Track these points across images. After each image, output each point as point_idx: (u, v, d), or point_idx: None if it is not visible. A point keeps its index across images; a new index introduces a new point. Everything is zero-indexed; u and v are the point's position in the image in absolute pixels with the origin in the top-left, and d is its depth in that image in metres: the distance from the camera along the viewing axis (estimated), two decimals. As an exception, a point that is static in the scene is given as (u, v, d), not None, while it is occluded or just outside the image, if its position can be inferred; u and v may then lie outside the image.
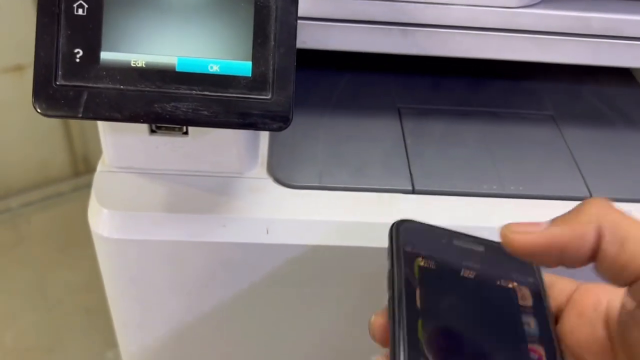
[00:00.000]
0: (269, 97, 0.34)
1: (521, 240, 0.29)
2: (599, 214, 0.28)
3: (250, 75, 0.34)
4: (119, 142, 0.43)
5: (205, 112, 0.34)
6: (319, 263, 0.44)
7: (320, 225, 0.43)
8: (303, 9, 0.41)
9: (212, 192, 0.44)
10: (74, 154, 1.27)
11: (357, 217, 0.44)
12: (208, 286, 0.45)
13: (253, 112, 0.34)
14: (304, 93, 0.54)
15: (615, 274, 0.28)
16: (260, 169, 0.46)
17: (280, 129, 0.35)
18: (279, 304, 0.47)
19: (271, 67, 0.34)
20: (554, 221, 0.29)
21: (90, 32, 0.33)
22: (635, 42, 0.47)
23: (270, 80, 0.34)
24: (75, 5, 0.33)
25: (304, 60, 0.42)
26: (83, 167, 1.29)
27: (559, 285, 0.34)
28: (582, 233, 0.28)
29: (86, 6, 0.33)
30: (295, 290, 0.46)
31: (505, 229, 0.30)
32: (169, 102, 0.34)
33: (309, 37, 0.45)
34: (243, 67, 0.34)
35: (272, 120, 0.34)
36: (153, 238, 0.42)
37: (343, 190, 0.45)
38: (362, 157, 0.48)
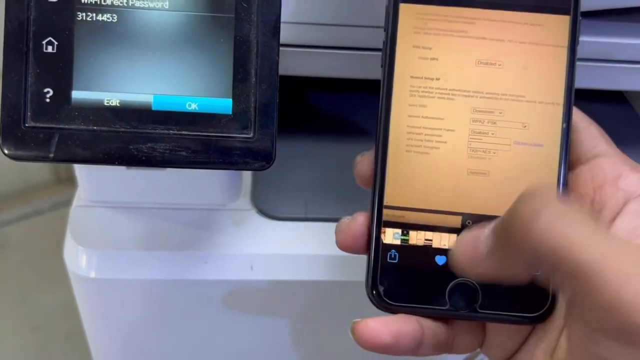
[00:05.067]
0: (250, 135, 0.33)
1: (470, 275, 0.29)
2: (522, 240, 0.25)
3: (230, 113, 0.33)
4: (95, 176, 0.42)
5: (184, 153, 0.32)
6: (307, 300, 0.43)
7: (308, 260, 0.42)
8: (286, 37, 0.40)
9: (193, 227, 0.42)
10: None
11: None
12: (190, 325, 0.43)
13: (234, 151, 0.33)
14: (287, 118, 0.52)
15: None
16: (243, 200, 0.45)
17: (262, 169, 0.33)
18: (264, 343, 0.45)
19: (253, 105, 0.33)
20: (489, 250, 0.27)
21: (60, 71, 0.32)
22: (626, 65, 0.46)
23: (252, 118, 0.33)
24: (44, 43, 0.32)
25: (287, 83, 0.40)
26: (65, 173, 1.26)
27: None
28: (516, 269, 0.27)
29: (56, 43, 0.32)
30: (282, 328, 0.44)
31: (453, 257, 0.29)
32: (145, 142, 0.32)
33: (293, 64, 0.43)
34: (223, 104, 0.33)
35: (255, 159, 0.33)
36: (132, 277, 0.41)
37: (331, 221, 0.44)
38: (349, 185, 0.46)
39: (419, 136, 0.32)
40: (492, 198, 0.32)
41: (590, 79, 0.47)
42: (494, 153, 0.32)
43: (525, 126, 0.32)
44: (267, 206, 0.44)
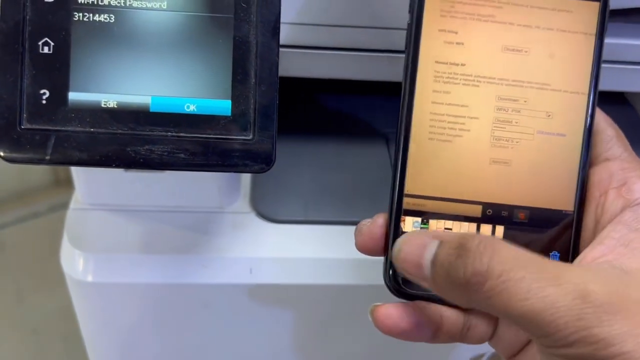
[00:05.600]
0: (250, 137, 0.32)
1: (414, 280, 0.29)
2: (461, 293, 0.27)
3: (229, 115, 0.32)
4: (92, 179, 0.41)
5: (182, 155, 0.32)
6: (307, 304, 0.42)
7: (308, 263, 0.41)
8: (286, 37, 0.39)
9: (191, 230, 0.42)
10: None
11: (346, 253, 0.42)
12: (189, 329, 0.43)
13: (233, 153, 0.32)
14: (287, 119, 0.51)
15: None
16: (242, 202, 0.44)
17: (262, 171, 0.33)
18: (263, 348, 0.45)
19: (252, 106, 0.32)
20: (431, 277, 0.28)
21: (57, 72, 0.31)
22: (627, 66, 0.46)
23: (251, 120, 0.32)
24: (40, 43, 0.31)
25: (287, 85, 0.40)
26: (63, 175, 1.26)
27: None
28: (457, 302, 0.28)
29: (52, 44, 0.31)
30: (282, 333, 0.44)
31: (395, 256, 0.29)
32: (142, 144, 0.32)
33: (293, 65, 0.43)
34: (222, 105, 0.32)
35: (254, 162, 0.32)
36: (129, 281, 0.40)
37: (331, 224, 0.43)
38: (349, 188, 0.46)
39: (442, 123, 0.31)
40: (513, 188, 0.32)
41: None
42: (517, 142, 0.32)
43: (549, 115, 0.32)
44: (266, 209, 0.43)
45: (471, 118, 0.31)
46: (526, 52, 0.31)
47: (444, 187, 0.32)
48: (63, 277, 0.41)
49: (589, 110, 0.31)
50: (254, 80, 0.32)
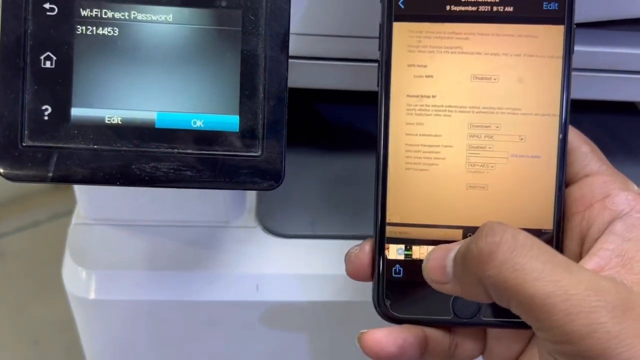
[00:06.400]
0: (258, 154, 0.31)
1: (439, 289, 0.30)
2: (479, 275, 0.27)
3: (237, 131, 0.31)
4: (95, 193, 0.40)
5: (189, 173, 0.31)
6: (315, 321, 0.41)
7: (316, 280, 0.41)
8: (295, 49, 0.38)
9: (196, 246, 0.41)
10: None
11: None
12: (194, 348, 0.42)
13: (241, 171, 0.31)
14: (293, 131, 0.51)
15: None
16: (248, 217, 0.43)
17: (271, 188, 0.32)
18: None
19: (260, 122, 0.31)
20: (454, 273, 0.29)
21: (59, 87, 0.30)
22: (638, 75, 0.45)
23: (260, 136, 0.31)
24: (42, 58, 0.30)
25: (293, 96, 0.39)
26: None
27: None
28: (476, 295, 0.28)
29: (54, 58, 0.30)
30: (289, 351, 0.43)
31: (424, 271, 0.31)
32: (148, 162, 0.31)
33: (301, 76, 0.42)
34: (229, 121, 0.31)
35: (262, 179, 0.31)
36: (133, 298, 0.39)
37: (338, 239, 0.42)
38: (357, 201, 0.45)
39: (417, 154, 0.32)
40: (492, 211, 0.32)
41: (601, 90, 0.46)
42: (492, 167, 0.32)
43: (522, 139, 0.32)
44: (272, 223, 0.42)
45: (445, 146, 0.32)
46: (495, 79, 0.32)
47: (424, 214, 0.33)
48: (64, 286, 0.40)
49: (562, 131, 0.32)
50: (262, 95, 0.31)
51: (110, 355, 0.42)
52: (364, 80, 0.42)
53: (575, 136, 0.33)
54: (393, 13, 0.32)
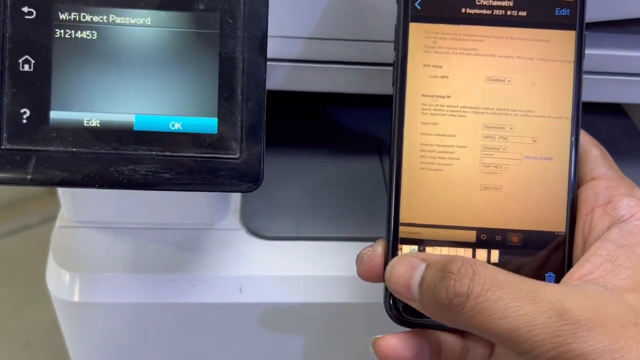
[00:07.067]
0: (237, 156, 0.31)
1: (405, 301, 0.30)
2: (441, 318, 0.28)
3: (216, 133, 0.31)
4: (78, 196, 0.40)
5: (167, 175, 0.31)
6: (297, 322, 0.41)
7: (299, 281, 0.41)
8: (277, 51, 0.38)
9: (180, 248, 0.41)
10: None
11: (338, 270, 0.41)
12: (178, 349, 0.42)
13: (220, 172, 0.31)
14: (277, 133, 0.51)
15: None
16: (232, 219, 0.43)
17: (249, 190, 0.32)
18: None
19: (239, 124, 0.31)
20: (419, 299, 0.30)
21: (38, 90, 0.30)
22: (624, 77, 0.45)
23: (238, 138, 0.31)
24: (20, 61, 0.30)
25: (277, 98, 0.39)
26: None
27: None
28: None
29: (33, 62, 0.30)
30: (272, 352, 0.43)
31: (387, 278, 0.31)
32: (126, 164, 0.31)
33: (283, 79, 0.42)
34: (208, 124, 0.31)
35: (241, 181, 0.32)
36: (117, 300, 0.39)
37: (322, 240, 0.42)
38: (341, 203, 0.45)
39: (432, 153, 0.32)
40: (505, 212, 0.33)
41: (588, 91, 0.46)
42: (506, 168, 0.33)
43: (535, 140, 0.33)
44: (256, 225, 0.43)
45: (460, 147, 0.32)
46: (509, 81, 0.32)
47: (437, 214, 0.32)
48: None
49: (574, 133, 0.33)
50: (240, 98, 0.31)
51: (94, 356, 0.42)
52: (349, 82, 0.42)
53: (586, 139, 0.34)
54: (410, 14, 0.32)
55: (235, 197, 0.45)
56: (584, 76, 0.44)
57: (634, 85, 0.46)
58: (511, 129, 0.32)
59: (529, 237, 0.32)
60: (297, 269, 0.41)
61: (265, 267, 0.41)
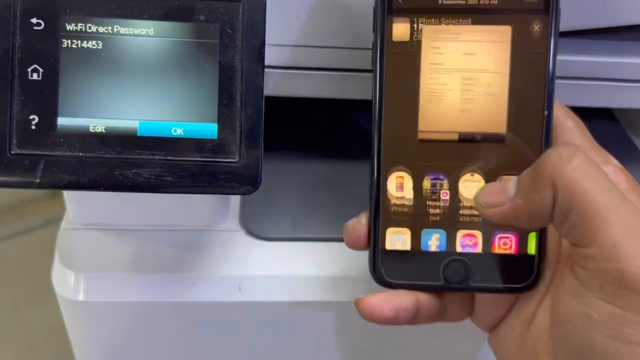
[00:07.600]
0: (236, 160, 0.33)
1: (491, 213, 0.32)
2: (554, 174, 0.29)
3: (216, 138, 0.33)
4: (83, 199, 0.42)
5: (169, 178, 0.33)
6: (296, 321, 0.42)
7: (297, 281, 0.42)
8: (274, 59, 0.40)
9: (181, 249, 0.42)
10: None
11: (336, 270, 0.42)
12: (179, 347, 0.43)
13: (220, 176, 0.33)
14: (275, 137, 0.52)
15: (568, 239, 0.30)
16: (232, 220, 0.45)
17: (248, 193, 0.33)
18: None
19: (238, 129, 0.33)
20: (519, 187, 0.31)
21: (46, 98, 0.32)
22: (614, 83, 0.46)
23: (238, 143, 0.33)
24: (29, 70, 0.32)
25: (275, 103, 0.40)
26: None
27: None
28: (540, 203, 0.29)
29: (41, 70, 0.32)
30: (271, 351, 0.44)
31: (478, 200, 0.33)
32: (130, 168, 0.32)
33: (280, 85, 0.43)
34: (208, 129, 0.33)
35: (240, 184, 0.33)
36: (121, 300, 0.41)
37: (319, 241, 0.44)
38: (338, 204, 0.46)
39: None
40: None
41: (578, 96, 0.47)
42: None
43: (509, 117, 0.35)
44: (255, 227, 0.44)
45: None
46: (485, 69, 0.35)
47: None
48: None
49: (547, 107, 0.34)
50: (239, 104, 0.33)
51: (98, 355, 0.44)
52: (344, 89, 0.44)
53: (560, 111, 0.35)
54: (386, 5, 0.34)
55: (235, 200, 0.46)
56: (574, 82, 0.46)
57: (623, 91, 0.47)
58: (488, 85, 0.34)
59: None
60: (295, 269, 0.42)
61: (263, 267, 0.42)
